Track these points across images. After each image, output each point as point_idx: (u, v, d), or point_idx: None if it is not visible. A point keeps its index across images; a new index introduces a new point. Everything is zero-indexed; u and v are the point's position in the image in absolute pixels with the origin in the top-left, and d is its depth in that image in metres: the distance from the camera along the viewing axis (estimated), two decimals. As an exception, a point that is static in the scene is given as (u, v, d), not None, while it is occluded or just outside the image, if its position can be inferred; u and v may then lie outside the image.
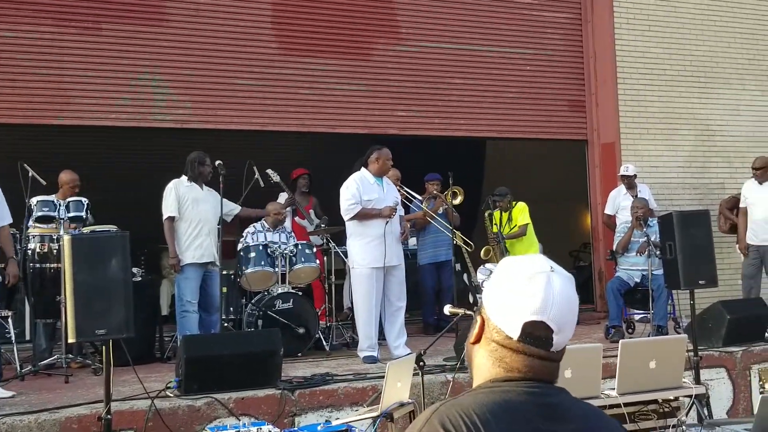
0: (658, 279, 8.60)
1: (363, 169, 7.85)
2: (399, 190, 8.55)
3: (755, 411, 6.68)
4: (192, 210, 7.93)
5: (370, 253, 7.59)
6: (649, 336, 8.37)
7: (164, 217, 7.93)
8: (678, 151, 11.74)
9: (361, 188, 7.69)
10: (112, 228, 7.58)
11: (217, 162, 7.89)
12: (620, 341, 5.47)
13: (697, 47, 11.95)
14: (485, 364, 1.79)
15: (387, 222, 7.58)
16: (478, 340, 1.82)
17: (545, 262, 1.79)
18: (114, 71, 9.14)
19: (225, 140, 11.33)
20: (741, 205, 9.89)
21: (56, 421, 5.34)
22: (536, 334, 1.73)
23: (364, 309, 7.62)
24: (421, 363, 4.87)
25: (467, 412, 1.65)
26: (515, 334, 1.74)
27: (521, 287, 1.75)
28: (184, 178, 8.06)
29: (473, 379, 1.83)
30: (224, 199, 7.97)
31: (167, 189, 7.96)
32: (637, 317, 9.61)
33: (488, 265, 2.11)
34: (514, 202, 9.94)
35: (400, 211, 8.24)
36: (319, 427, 4.74)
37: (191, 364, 5.93)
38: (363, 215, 7.64)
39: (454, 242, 9.41)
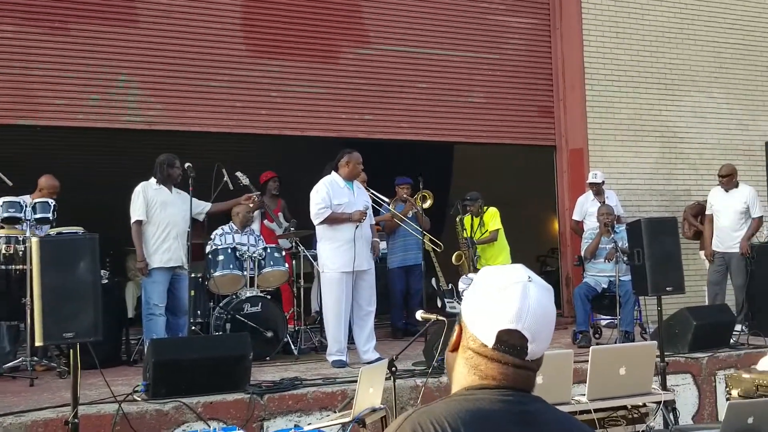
0: (625, 285, 8.67)
1: (333, 172, 7.84)
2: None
3: (720, 417, 6.76)
4: (160, 213, 7.83)
5: (340, 258, 7.57)
6: (615, 342, 8.43)
7: (132, 220, 7.82)
8: (645, 157, 11.84)
9: (331, 192, 7.66)
10: (79, 230, 7.47)
11: (186, 164, 7.76)
12: (591, 347, 5.50)
13: (664, 54, 12.06)
14: (462, 371, 1.80)
15: (357, 226, 7.56)
16: (456, 348, 1.83)
17: (523, 272, 1.80)
18: (82, 72, 9.03)
19: (194, 142, 11.25)
20: (707, 212, 10.00)
21: (22, 425, 5.27)
22: (511, 342, 1.74)
23: (334, 313, 7.60)
24: (394, 368, 4.85)
25: (439, 419, 1.65)
26: (490, 342, 1.74)
27: (497, 296, 1.76)
28: (152, 180, 7.96)
29: (452, 387, 1.83)
30: (194, 199, 7.88)
31: (135, 192, 7.86)
32: (603, 323, 9.67)
33: (471, 275, 2.09)
34: (485, 207, 9.95)
35: (371, 215, 8.23)
36: (290, 432, 4.72)
37: (159, 368, 5.87)
38: (333, 219, 7.62)
39: (424, 246, 9.41)
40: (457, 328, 1.84)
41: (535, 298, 1.76)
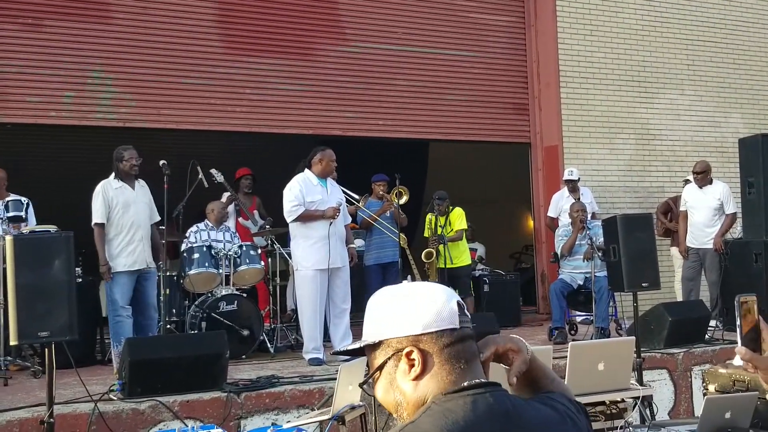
0: (600, 281, 8.72)
1: (307, 170, 7.82)
2: None
3: (696, 412, 6.81)
4: (123, 215, 7.41)
5: (314, 255, 7.56)
6: (591, 338, 8.47)
7: (92, 222, 7.42)
8: (619, 154, 11.91)
9: (304, 190, 7.65)
10: (52, 228, 7.38)
11: (161, 162, 7.47)
12: (570, 343, 5.51)
13: (638, 52, 12.13)
14: (433, 382, 1.68)
15: (331, 223, 7.54)
16: (422, 374, 1.69)
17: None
18: (56, 69, 8.95)
19: (169, 139, 11.19)
20: (681, 208, 10.06)
21: (-4, 425, 5.22)
22: (455, 308, 1.71)
23: (309, 311, 7.59)
24: (372, 365, 4.83)
25: None
26: (455, 321, 1.70)
27: (413, 295, 1.73)
28: (112, 178, 7.53)
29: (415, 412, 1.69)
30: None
31: (95, 192, 7.43)
32: (579, 319, 9.71)
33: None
34: (451, 207, 9.95)
35: (346, 213, 8.21)
36: (268, 430, 4.69)
37: (135, 367, 5.82)
38: (306, 217, 7.60)
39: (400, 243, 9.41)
40: (403, 358, 1.69)
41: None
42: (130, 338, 6.79)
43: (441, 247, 9.51)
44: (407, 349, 1.68)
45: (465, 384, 1.67)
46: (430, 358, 1.68)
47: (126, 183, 7.53)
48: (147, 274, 7.60)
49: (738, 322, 1.87)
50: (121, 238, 7.36)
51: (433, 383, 1.68)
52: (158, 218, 7.86)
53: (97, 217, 7.38)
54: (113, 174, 7.52)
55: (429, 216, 9.96)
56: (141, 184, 7.72)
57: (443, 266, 9.39)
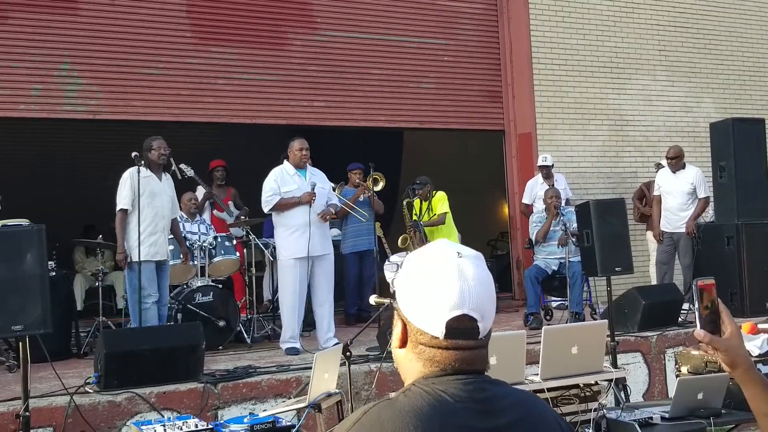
0: (573, 266, 8.78)
1: (285, 161, 7.86)
2: None
3: (670, 394, 6.88)
4: (149, 205, 7.33)
5: (294, 244, 7.59)
6: (567, 323, 8.53)
7: (117, 208, 7.31)
8: (592, 140, 11.97)
9: (280, 180, 7.69)
10: (24, 222, 7.33)
11: (133, 154, 7.35)
12: (543, 328, 5.55)
13: (609, 38, 12.19)
14: (415, 366, 1.73)
15: (310, 211, 7.54)
16: (403, 345, 1.75)
17: (451, 250, 1.73)
18: (23, 62, 8.86)
19: (140, 132, 11.11)
20: (655, 192, 10.14)
21: (-29, 420, 5.19)
22: (461, 327, 1.68)
23: (288, 300, 7.62)
24: (348, 353, 4.85)
25: (403, 413, 1.61)
26: (440, 333, 1.67)
27: (434, 283, 1.69)
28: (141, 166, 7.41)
29: (405, 380, 1.76)
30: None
31: (123, 178, 7.34)
32: (554, 304, 9.77)
33: (393, 258, 2.06)
34: (434, 192, 10.00)
35: (333, 199, 8.22)
36: (245, 419, 4.70)
37: (111, 360, 5.81)
38: (283, 205, 7.64)
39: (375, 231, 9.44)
40: (399, 323, 1.75)
41: (471, 274, 1.69)
42: (105, 330, 6.77)
43: (413, 233, 9.56)
44: (402, 322, 1.74)
45: (447, 370, 1.69)
46: (413, 343, 1.72)
47: (154, 173, 7.48)
48: (164, 265, 7.57)
49: (696, 306, 1.89)
50: (144, 227, 7.24)
51: (419, 365, 1.71)
52: (179, 213, 7.97)
53: (122, 203, 7.28)
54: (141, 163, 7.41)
55: (406, 201, 9.99)
56: (166, 177, 7.71)
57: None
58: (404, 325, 1.73)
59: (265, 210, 7.75)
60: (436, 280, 1.68)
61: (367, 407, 1.66)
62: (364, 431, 1.60)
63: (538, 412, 1.76)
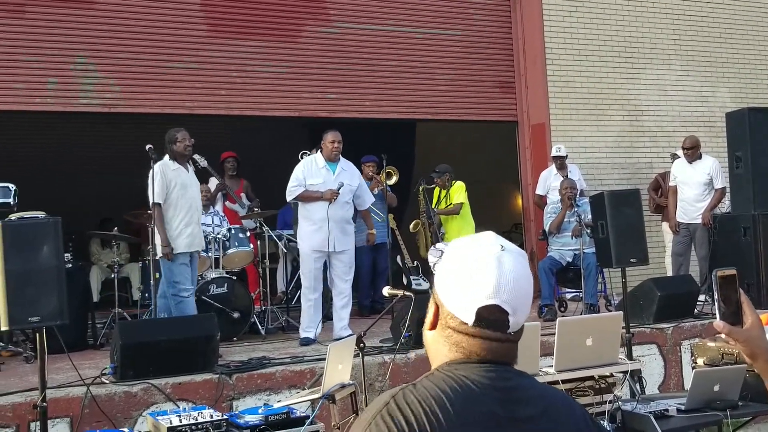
0: (588, 257, 8.75)
1: (318, 153, 7.91)
2: None
3: (686, 386, 6.86)
4: (182, 197, 7.29)
5: (313, 237, 7.68)
6: (581, 314, 8.51)
7: (151, 202, 7.27)
8: (606, 131, 11.91)
9: (307, 171, 7.76)
10: (40, 214, 7.35)
11: (147, 146, 7.37)
12: (558, 319, 5.55)
13: (624, 27, 12.11)
14: (442, 349, 1.75)
15: (330, 206, 7.57)
16: (433, 327, 1.78)
17: (495, 242, 1.74)
18: (39, 55, 8.89)
19: (155, 125, 11.14)
20: (671, 183, 10.09)
21: (-10, 410, 5.23)
22: (491, 318, 1.69)
23: (305, 290, 7.75)
24: (362, 345, 4.86)
25: (425, 397, 1.63)
26: (469, 319, 1.70)
27: (472, 271, 1.71)
28: (168, 159, 7.37)
29: (432, 364, 1.79)
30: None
31: (153, 173, 7.24)
32: (568, 296, 9.76)
33: (439, 245, 2.07)
34: (453, 181, 10.00)
35: (366, 195, 8.25)
36: (260, 410, 4.72)
37: (127, 351, 5.84)
38: (305, 197, 7.73)
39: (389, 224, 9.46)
40: (432, 305, 1.78)
41: (510, 268, 1.71)
42: (121, 321, 6.80)
43: (425, 220, 9.60)
44: (435, 305, 1.78)
45: (471, 358, 1.71)
46: (443, 326, 1.75)
47: (181, 165, 7.45)
48: (194, 255, 7.53)
49: (716, 296, 1.88)
50: (179, 219, 7.25)
51: (445, 349, 1.74)
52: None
53: (156, 197, 7.22)
54: (167, 156, 7.40)
55: (422, 187, 10.00)
56: (192, 169, 7.70)
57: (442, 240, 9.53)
58: (437, 308, 1.76)
59: (288, 199, 7.86)
60: (475, 268, 1.71)
61: (394, 391, 1.68)
62: (390, 415, 1.61)
63: (562, 407, 1.76)
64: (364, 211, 8.58)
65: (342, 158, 7.95)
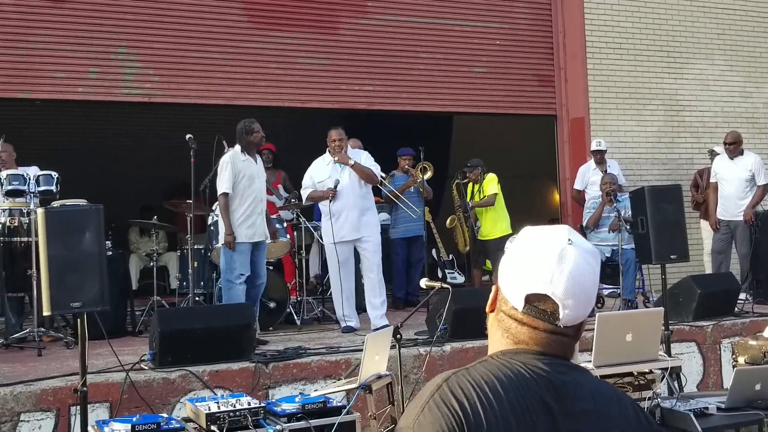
0: (626, 253, 8.68)
1: (328, 151, 8.10)
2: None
3: (725, 385, 6.78)
4: (248, 188, 7.40)
5: (329, 230, 7.85)
6: (619, 310, 8.43)
7: (218, 192, 7.40)
8: (647, 126, 11.79)
9: (314, 172, 8.07)
10: (82, 201, 7.44)
11: (187, 136, 7.47)
12: (596, 314, 5.48)
13: (666, 21, 11.97)
14: (495, 334, 1.78)
15: (331, 201, 7.76)
16: (492, 309, 1.81)
17: (564, 234, 1.74)
18: (81, 45, 8.98)
19: (194, 115, 11.21)
20: (711, 179, 9.96)
21: (32, 393, 5.29)
22: (540, 307, 1.70)
23: (333, 282, 7.91)
24: (398, 336, 4.86)
25: (478, 382, 1.63)
26: (519, 305, 1.72)
27: (532, 258, 1.72)
28: (238, 149, 7.49)
29: (489, 349, 1.80)
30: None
31: (223, 162, 7.39)
32: (606, 292, 9.67)
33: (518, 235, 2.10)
34: (485, 174, 9.98)
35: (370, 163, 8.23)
36: (296, 398, 4.73)
37: (165, 338, 5.88)
38: (313, 198, 8.13)
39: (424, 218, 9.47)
40: (494, 288, 1.81)
41: (571, 261, 1.69)
42: (160, 309, 6.85)
43: (461, 214, 9.61)
44: (496, 286, 1.82)
45: (525, 348, 1.72)
46: (498, 309, 1.79)
47: (250, 156, 7.55)
48: (261, 244, 7.60)
49: None
50: (243, 210, 7.36)
51: (497, 334, 1.78)
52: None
53: (223, 187, 7.34)
54: (238, 146, 7.50)
55: (456, 182, 10.01)
56: (260, 160, 7.81)
57: (481, 238, 9.66)
58: (497, 290, 1.80)
59: (303, 201, 8.31)
60: (536, 255, 1.72)
61: (447, 374, 1.69)
62: (442, 399, 1.62)
63: (616, 406, 1.73)
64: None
65: (350, 150, 8.15)
